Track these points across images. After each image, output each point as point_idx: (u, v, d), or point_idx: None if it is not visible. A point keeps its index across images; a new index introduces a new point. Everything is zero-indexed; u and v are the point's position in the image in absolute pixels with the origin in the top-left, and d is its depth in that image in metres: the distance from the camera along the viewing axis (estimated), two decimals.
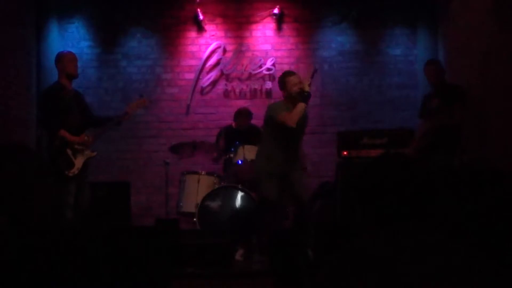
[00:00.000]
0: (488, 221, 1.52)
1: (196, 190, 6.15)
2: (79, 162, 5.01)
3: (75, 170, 4.96)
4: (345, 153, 5.92)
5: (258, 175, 5.24)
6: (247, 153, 5.96)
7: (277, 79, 5.40)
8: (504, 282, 1.42)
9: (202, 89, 7.51)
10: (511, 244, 1.50)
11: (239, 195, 5.96)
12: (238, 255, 5.08)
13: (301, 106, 4.89)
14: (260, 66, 7.46)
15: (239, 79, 7.51)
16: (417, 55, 7.50)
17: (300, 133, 5.18)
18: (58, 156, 4.91)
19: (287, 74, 5.15)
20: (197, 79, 7.51)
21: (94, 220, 5.54)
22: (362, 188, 1.64)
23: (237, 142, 6.10)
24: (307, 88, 4.94)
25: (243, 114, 6.54)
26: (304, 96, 4.90)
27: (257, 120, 6.36)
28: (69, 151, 4.97)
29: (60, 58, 5.24)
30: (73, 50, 7.37)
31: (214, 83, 7.53)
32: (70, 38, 7.52)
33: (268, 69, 7.44)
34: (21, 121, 6.49)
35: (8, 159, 1.77)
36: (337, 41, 7.60)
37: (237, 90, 7.49)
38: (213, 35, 7.57)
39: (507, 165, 4.91)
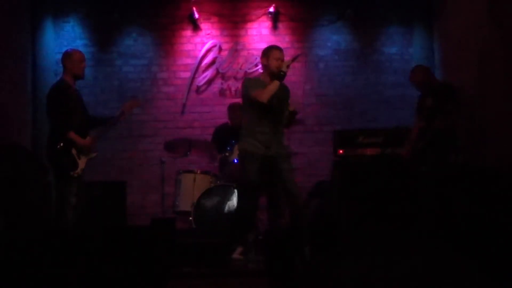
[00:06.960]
0: (484, 220, 1.53)
1: (192, 189, 6.15)
2: (82, 162, 4.97)
3: (79, 171, 4.92)
4: (341, 151, 5.93)
5: (242, 157, 5.13)
6: None
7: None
8: (500, 281, 1.42)
9: (198, 88, 7.50)
10: (509, 243, 1.50)
11: (235, 194, 5.96)
12: (237, 253, 5.02)
13: (275, 83, 4.88)
14: (256, 65, 7.44)
15: (235, 78, 7.49)
16: (412, 54, 7.50)
17: (280, 110, 5.08)
18: (64, 157, 4.84)
19: (273, 47, 5.18)
20: (193, 78, 7.49)
21: (90, 220, 5.53)
22: (358, 190, 1.64)
23: (233, 141, 6.08)
24: (284, 68, 4.92)
25: (235, 109, 6.48)
26: (279, 75, 4.90)
27: None
28: (74, 152, 4.91)
29: (70, 56, 5.12)
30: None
31: (209, 82, 7.52)
32: (66, 37, 7.50)
33: None
34: (16, 121, 6.46)
35: (3, 159, 1.77)
36: (332, 39, 7.59)
37: (233, 89, 7.47)
38: (208, 34, 7.56)
39: (503, 164, 4.92)
